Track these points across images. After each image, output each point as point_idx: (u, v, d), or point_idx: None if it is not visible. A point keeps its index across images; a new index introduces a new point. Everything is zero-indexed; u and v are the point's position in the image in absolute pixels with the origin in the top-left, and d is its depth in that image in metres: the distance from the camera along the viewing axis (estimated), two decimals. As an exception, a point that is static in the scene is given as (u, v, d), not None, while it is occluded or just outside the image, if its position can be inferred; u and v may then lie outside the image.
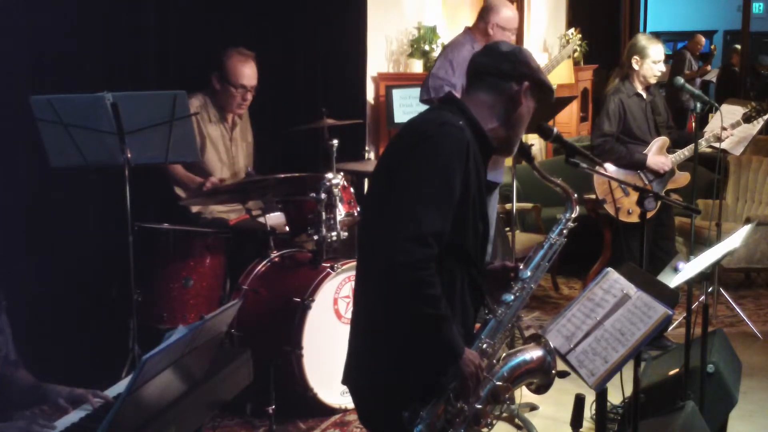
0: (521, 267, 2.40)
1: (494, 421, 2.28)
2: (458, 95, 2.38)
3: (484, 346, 2.28)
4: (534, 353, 2.36)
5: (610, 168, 4.76)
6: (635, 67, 4.77)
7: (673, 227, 5.12)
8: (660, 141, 4.80)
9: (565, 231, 2.46)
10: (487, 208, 4.81)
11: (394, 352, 2.19)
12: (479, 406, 2.22)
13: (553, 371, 2.37)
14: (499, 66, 2.29)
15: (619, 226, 4.83)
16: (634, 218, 4.72)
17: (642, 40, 4.82)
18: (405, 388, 2.18)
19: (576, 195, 2.49)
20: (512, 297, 2.35)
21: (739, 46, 12.35)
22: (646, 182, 4.78)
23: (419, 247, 2.05)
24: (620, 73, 4.88)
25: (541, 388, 2.40)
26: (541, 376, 2.37)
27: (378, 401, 2.25)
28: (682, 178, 4.88)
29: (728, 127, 4.78)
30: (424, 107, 4.96)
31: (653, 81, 4.82)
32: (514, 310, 2.35)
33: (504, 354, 2.35)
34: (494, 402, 2.25)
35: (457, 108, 2.28)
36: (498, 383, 2.25)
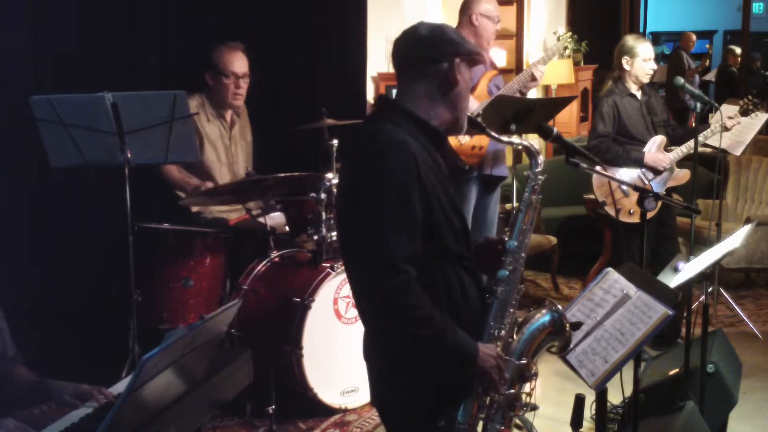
0: (506, 238, 2.36)
1: (528, 400, 2.27)
2: None
3: (495, 331, 2.24)
4: (542, 319, 2.31)
5: (616, 171, 4.75)
6: (626, 67, 4.78)
7: (676, 227, 5.10)
8: (658, 140, 4.80)
9: (537, 187, 2.40)
10: (470, 202, 4.80)
11: (409, 371, 2.16)
12: (511, 391, 2.22)
13: (567, 327, 2.33)
14: (425, 52, 2.22)
15: (620, 227, 4.82)
16: (636, 219, 4.71)
17: (630, 40, 4.84)
18: (431, 401, 2.17)
19: (537, 147, 2.44)
20: (507, 272, 2.30)
21: (734, 47, 12.35)
22: (646, 182, 4.78)
23: (394, 277, 2.02)
24: (613, 76, 4.89)
25: (562, 348, 2.38)
26: (558, 338, 2.34)
27: (407, 419, 2.22)
28: (683, 176, 4.87)
29: (733, 116, 4.75)
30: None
31: (646, 80, 4.81)
32: (513, 284, 2.31)
33: (515, 327, 2.31)
34: (521, 381, 2.24)
35: (395, 112, 2.22)
36: (520, 362, 2.24)
